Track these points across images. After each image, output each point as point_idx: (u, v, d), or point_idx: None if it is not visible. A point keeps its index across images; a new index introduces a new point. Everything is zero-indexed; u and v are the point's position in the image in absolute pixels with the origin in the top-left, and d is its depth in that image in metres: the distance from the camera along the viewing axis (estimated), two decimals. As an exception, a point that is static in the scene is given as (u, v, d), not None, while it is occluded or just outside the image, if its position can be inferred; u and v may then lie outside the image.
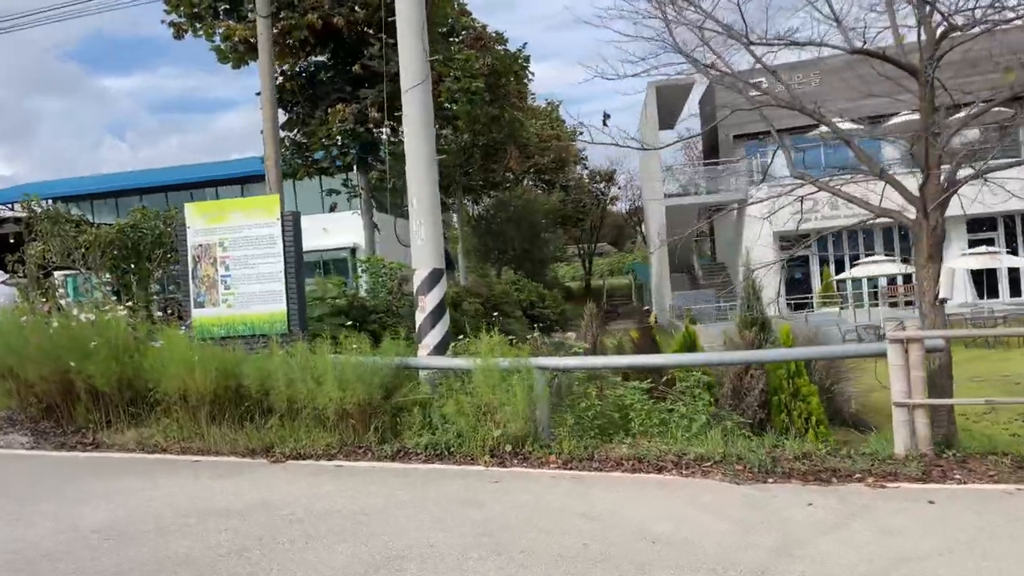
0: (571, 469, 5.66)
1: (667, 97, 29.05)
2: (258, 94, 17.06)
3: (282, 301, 8.71)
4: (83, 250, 8.82)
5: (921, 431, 5.46)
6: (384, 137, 12.84)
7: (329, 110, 12.35)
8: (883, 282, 26.72)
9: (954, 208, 6.68)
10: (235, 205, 8.98)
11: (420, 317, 7.67)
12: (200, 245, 8.99)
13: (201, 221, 9.00)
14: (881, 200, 7.06)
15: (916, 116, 7.28)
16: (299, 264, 8.92)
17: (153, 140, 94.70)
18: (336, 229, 26.90)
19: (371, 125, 12.42)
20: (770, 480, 5.13)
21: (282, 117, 16.93)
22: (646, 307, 36.34)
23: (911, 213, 6.71)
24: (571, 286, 38.91)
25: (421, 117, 7.69)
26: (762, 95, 7.00)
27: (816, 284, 27.61)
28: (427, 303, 7.61)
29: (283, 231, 8.73)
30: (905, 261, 22.73)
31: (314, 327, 9.56)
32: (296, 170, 15.04)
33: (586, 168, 37.40)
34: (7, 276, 9.07)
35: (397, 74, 8.71)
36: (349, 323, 9.93)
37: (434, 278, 7.64)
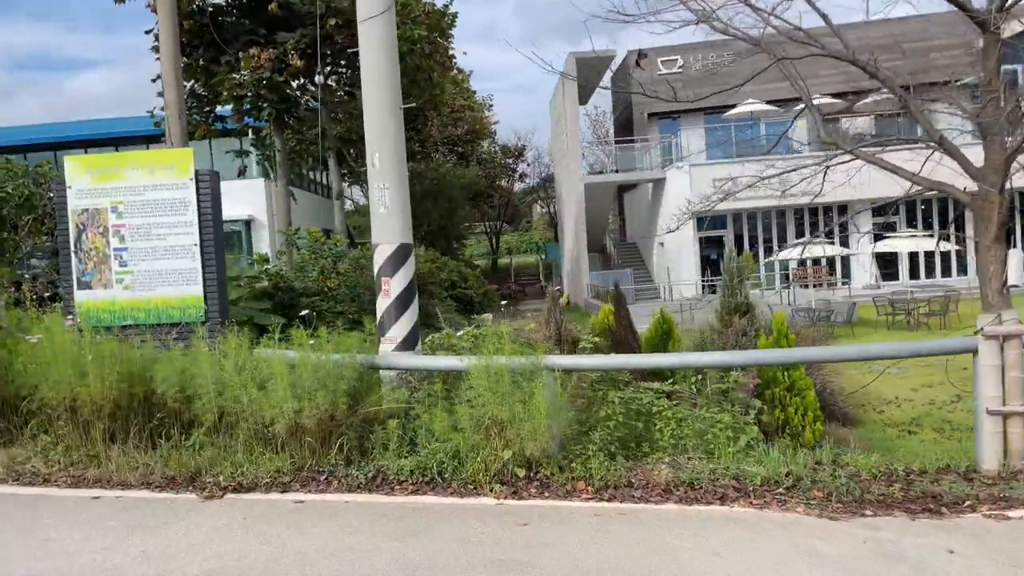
0: (610, 500, 4.46)
1: (587, 69, 28.14)
2: (148, 31, 14.67)
3: (197, 282, 6.99)
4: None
5: (1016, 443, 4.64)
6: (315, 86, 10.96)
7: (240, 55, 10.43)
8: (792, 265, 27.17)
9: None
10: (134, 159, 7.11)
11: (383, 304, 6.21)
12: (85, 210, 7.09)
13: (87, 179, 7.09)
14: (922, 170, 6.23)
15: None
16: (219, 236, 7.21)
17: (6, 98, 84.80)
18: (227, 198, 24.22)
19: (289, 75, 10.58)
20: (867, 511, 4.14)
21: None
22: (556, 287, 35.66)
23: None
24: (479, 263, 37.71)
25: (383, 56, 6.17)
26: (815, 48, 5.95)
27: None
28: (391, 287, 6.16)
29: (198, 194, 6.99)
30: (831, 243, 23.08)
31: (232, 314, 7.86)
32: (196, 127, 12.89)
33: (495, 144, 36.11)
34: None
35: (324, 15, 7.09)
36: (270, 309, 8.29)
37: (400, 255, 6.19)
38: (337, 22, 9.88)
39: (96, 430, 5.45)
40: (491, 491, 4.65)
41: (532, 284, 39.24)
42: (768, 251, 27.09)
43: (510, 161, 38.49)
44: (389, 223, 6.19)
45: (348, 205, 33.26)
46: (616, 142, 29.69)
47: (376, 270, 6.26)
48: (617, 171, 29.44)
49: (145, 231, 7.01)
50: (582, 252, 28.26)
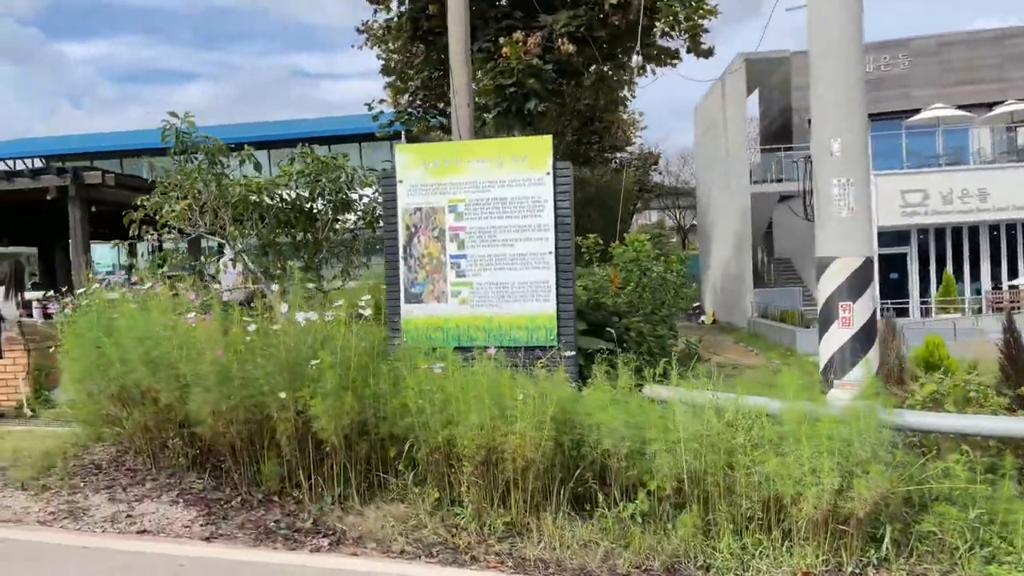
0: None
1: (755, 72, 26.29)
2: (363, 27, 13.90)
3: (549, 297, 5.75)
4: (240, 210, 5.69)
5: None
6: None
7: (501, 40, 9.32)
8: (986, 287, 24.42)
9: None
10: (480, 149, 5.97)
11: (838, 336, 4.77)
12: (418, 209, 5.97)
13: (421, 172, 5.97)
14: None
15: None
16: (572, 242, 5.97)
17: (112, 109, 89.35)
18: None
19: (557, 62, 9.35)
20: None
21: (376, 64, 13.86)
22: (695, 303, 33.58)
23: None
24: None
25: (847, 18, 4.75)
26: None
27: (913, 286, 25.12)
28: (853, 314, 4.71)
29: (555, 191, 5.76)
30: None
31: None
32: (415, 124, 11.97)
33: (635, 150, 34.56)
34: (232, 253, 5.94)
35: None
36: (588, 331, 6.98)
37: (864, 274, 4.74)
38: (619, 1, 8.62)
39: (516, 491, 4.21)
40: None
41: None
42: (958, 271, 24.44)
43: (653, 169, 36.84)
44: (852, 230, 4.74)
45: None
46: (784, 149, 27.54)
47: (829, 292, 4.81)
48: (781, 180, 27.36)
49: (489, 235, 5.84)
50: (745, 268, 26.26)
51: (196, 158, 5.87)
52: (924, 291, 24.93)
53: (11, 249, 21.59)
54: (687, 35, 9.46)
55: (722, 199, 29.16)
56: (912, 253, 25.01)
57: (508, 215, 5.79)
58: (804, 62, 22.97)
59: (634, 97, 17.84)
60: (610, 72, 14.48)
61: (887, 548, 3.73)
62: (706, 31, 9.44)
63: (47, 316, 8.32)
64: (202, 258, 6.98)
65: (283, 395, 4.44)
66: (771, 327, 22.92)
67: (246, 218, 6.01)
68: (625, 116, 27.57)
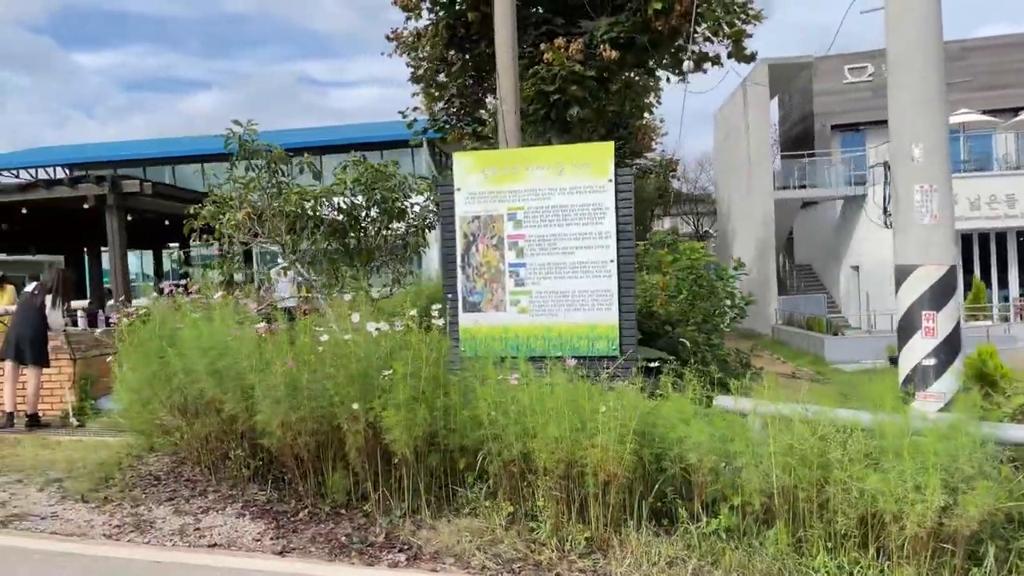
0: None
1: (778, 77, 26.15)
2: (393, 34, 13.89)
3: (610, 307, 5.66)
4: (293, 219, 5.63)
5: None
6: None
7: (541, 46, 9.23)
8: (1014, 293, 24.10)
9: None
10: (539, 156, 5.87)
11: (921, 347, 4.64)
12: (476, 218, 5.90)
13: (479, 180, 5.90)
14: None
15: None
16: (634, 250, 5.87)
17: (121, 117, 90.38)
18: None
19: (599, 69, 9.25)
20: None
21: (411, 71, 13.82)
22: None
23: None
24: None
25: (929, 20, 4.64)
26: None
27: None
28: (938, 324, 4.58)
29: (617, 199, 5.67)
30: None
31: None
32: (449, 132, 11.92)
33: (654, 156, 34.47)
34: (285, 262, 5.90)
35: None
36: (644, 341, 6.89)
37: (948, 283, 4.61)
38: (663, 6, 8.53)
39: (596, 505, 4.11)
40: None
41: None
42: (985, 278, 24.13)
43: (671, 175, 36.70)
44: (935, 237, 4.62)
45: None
46: (808, 156, 27.32)
47: (910, 301, 4.69)
48: (804, 186, 27.16)
49: (549, 243, 5.75)
50: (769, 275, 26.04)
51: (257, 165, 5.81)
52: (951, 298, 24.61)
53: (38, 257, 21.70)
54: (730, 40, 9.37)
55: (743, 205, 28.97)
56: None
57: (569, 223, 5.70)
58: (827, 67, 22.84)
59: (660, 103, 17.68)
60: (637, 78, 14.38)
61: (989, 567, 3.60)
62: (749, 36, 9.35)
63: (91, 324, 8.30)
64: (255, 267, 6.92)
65: (356, 406, 4.36)
66: (797, 334, 22.69)
67: (300, 226, 5.95)
68: (645, 122, 27.50)
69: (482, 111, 11.85)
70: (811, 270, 30.87)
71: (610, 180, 5.64)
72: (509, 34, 7.72)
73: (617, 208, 5.63)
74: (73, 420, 7.40)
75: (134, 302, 5.77)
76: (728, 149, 31.56)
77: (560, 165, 5.74)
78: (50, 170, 32.85)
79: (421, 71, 13.98)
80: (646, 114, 20.44)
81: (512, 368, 4.53)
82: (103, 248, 16.28)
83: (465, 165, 5.92)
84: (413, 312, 4.53)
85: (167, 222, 12.88)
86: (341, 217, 6.11)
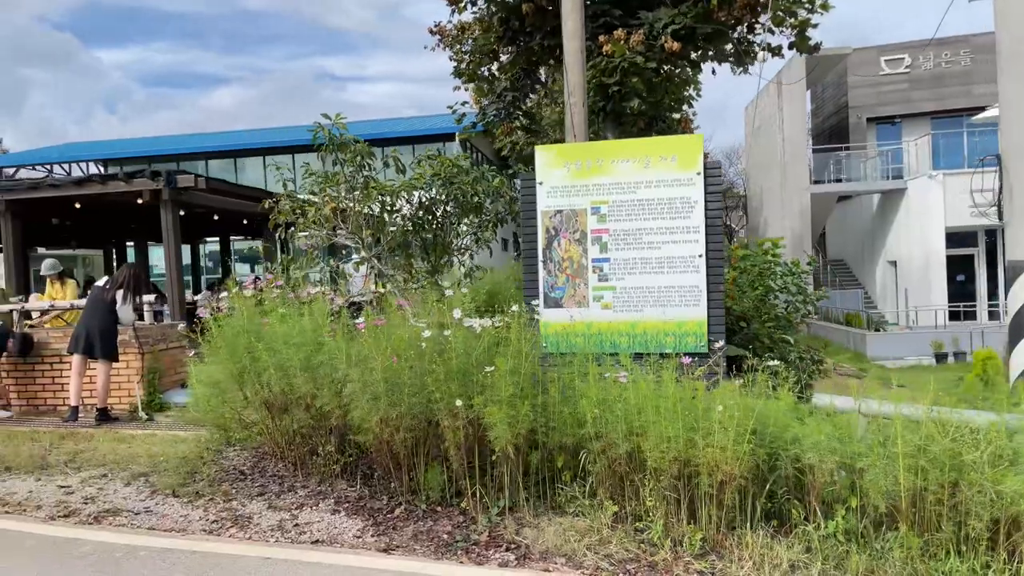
0: None
1: (812, 69, 25.76)
2: (435, 27, 13.81)
3: (698, 302, 5.56)
4: (367, 212, 5.59)
5: None
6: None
7: (600, 38, 9.12)
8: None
9: None
10: (625, 149, 5.77)
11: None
12: (558, 212, 5.82)
13: (562, 174, 5.81)
14: None
15: None
16: (722, 245, 5.76)
17: (143, 113, 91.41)
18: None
19: (660, 61, 9.13)
20: None
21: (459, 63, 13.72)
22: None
23: None
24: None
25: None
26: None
27: (981, 288, 24.38)
28: (1053, 321, 4.44)
29: (706, 192, 5.56)
30: None
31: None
32: (495, 127, 11.82)
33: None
34: (364, 256, 5.85)
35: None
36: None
37: (1065, 278, 4.46)
38: (727, -5, 8.40)
39: (709, 506, 4.02)
40: None
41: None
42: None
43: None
44: (1052, 233, 4.47)
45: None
46: (844, 149, 26.95)
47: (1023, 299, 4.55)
48: (839, 180, 26.80)
49: (634, 237, 5.66)
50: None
51: (342, 159, 5.76)
52: (991, 293, 24.19)
53: (78, 252, 21.94)
54: (795, 30, 9.20)
55: (777, 199, 28.65)
56: (980, 254, 24.29)
57: (655, 216, 5.61)
58: (862, 59, 22.42)
59: (700, 96, 17.50)
60: (677, 70, 14.19)
61: None
62: (814, 26, 9.17)
63: (156, 318, 8.32)
64: (332, 261, 6.90)
65: (459, 403, 4.30)
66: (836, 330, 22.42)
67: (379, 220, 5.90)
68: (683, 116, 27.26)
69: (531, 104, 11.73)
70: (845, 265, 30.45)
71: (698, 173, 5.54)
72: (577, 26, 7.62)
73: (706, 201, 5.53)
74: (142, 414, 7.43)
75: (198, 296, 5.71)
76: (760, 143, 31.21)
77: (647, 158, 5.64)
78: (82, 165, 33.20)
79: (464, 65, 13.89)
80: (684, 107, 20.28)
81: (599, 363, 4.47)
82: (149, 242, 16.41)
83: (547, 159, 5.84)
84: (515, 307, 4.45)
85: (216, 216, 12.93)
86: (419, 212, 6.06)
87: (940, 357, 17.91)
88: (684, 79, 15.60)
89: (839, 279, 29.67)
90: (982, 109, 25.06)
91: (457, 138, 23.00)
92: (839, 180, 26.45)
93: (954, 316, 23.40)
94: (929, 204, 23.02)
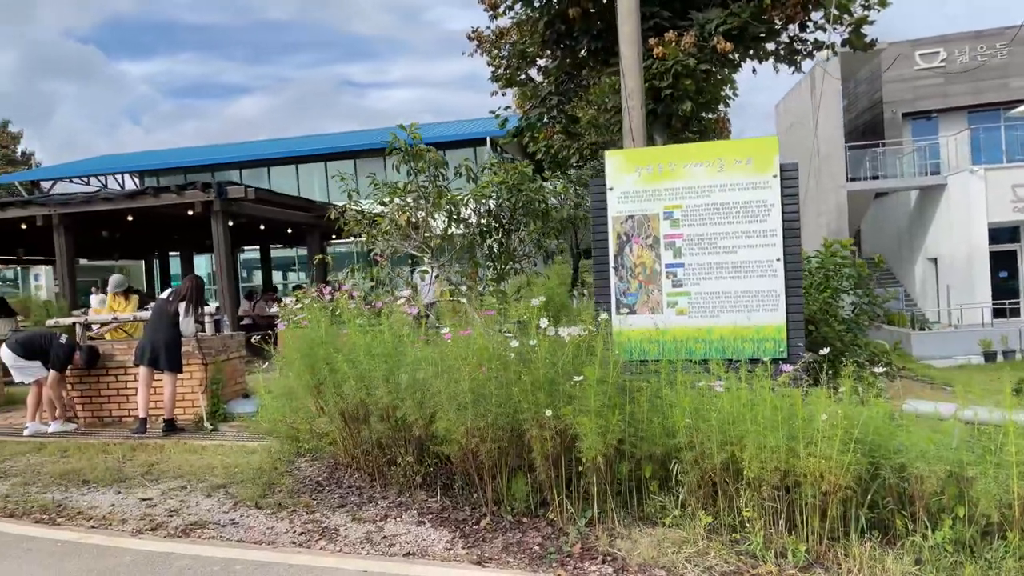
0: None
1: (848, 66, 25.46)
2: (474, 32, 13.83)
3: (777, 307, 5.46)
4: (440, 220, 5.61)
5: None
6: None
7: (650, 40, 9.05)
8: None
9: None
10: (699, 152, 5.70)
11: None
12: (630, 217, 5.76)
13: (634, 178, 5.76)
14: None
15: None
16: (800, 248, 5.66)
17: (168, 123, 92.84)
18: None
19: (712, 62, 9.05)
20: None
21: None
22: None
23: None
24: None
25: None
26: None
27: (1024, 284, 23.87)
28: None
29: (783, 194, 5.47)
30: None
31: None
32: (539, 131, 11.79)
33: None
34: (433, 264, 5.88)
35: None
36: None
37: None
38: (784, -6, 8.28)
39: (812, 517, 3.94)
40: None
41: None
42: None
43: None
44: None
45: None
46: (882, 145, 26.55)
47: None
48: (876, 177, 26.39)
49: (709, 242, 5.58)
50: (842, 268, 25.33)
51: (415, 168, 5.77)
52: (1035, 289, 23.67)
53: (120, 262, 22.27)
54: (850, 28, 9.05)
55: (811, 197, 28.27)
56: (1022, 250, 23.78)
57: (730, 220, 5.53)
58: (897, 53, 22.02)
59: (736, 95, 17.28)
60: (714, 69, 14.04)
61: None
62: (871, 23, 9.00)
63: (217, 329, 8.40)
64: (396, 270, 6.91)
65: (548, 413, 4.26)
66: (877, 330, 22.02)
67: (446, 229, 5.89)
68: (719, 116, 27.04)
69: (575, 109, 11.67)
70: (882, 262, 29.99)
71: (775, 175, 5.45)
72: (634, 30, 7.57)
73: (783, 204, 5.45)
74: (207, 424, 7.48)
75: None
76: (792, 140, 30.82)
77: (720, 161, 5.56)
78: (117, 177, 33.73)
79: (501, 69, 13.89)
80: (720, 107, 20.09)
81: (685, 371, 4.41)
82: (195, 252, 16.60)
83: (617, 163, 5.79)
84: (603, 316, 4.40)
85: (262, 226, 13.04)
86: (486, 221, 6.04)
87: (989, 356, 17.55)
88: (721, 78, 15.47)
89: (876, 277, 29.23)
90: (1020, 102, 24.62)
91: (497, 142, 22.90)
92: (875, 177, 26.04)
93: (998, 313, 22.92)
94: (971, 199, 22.59)
